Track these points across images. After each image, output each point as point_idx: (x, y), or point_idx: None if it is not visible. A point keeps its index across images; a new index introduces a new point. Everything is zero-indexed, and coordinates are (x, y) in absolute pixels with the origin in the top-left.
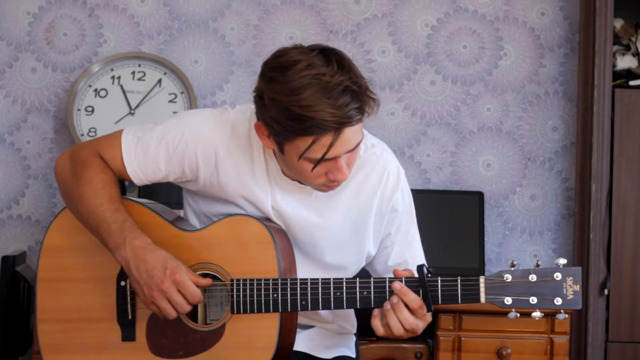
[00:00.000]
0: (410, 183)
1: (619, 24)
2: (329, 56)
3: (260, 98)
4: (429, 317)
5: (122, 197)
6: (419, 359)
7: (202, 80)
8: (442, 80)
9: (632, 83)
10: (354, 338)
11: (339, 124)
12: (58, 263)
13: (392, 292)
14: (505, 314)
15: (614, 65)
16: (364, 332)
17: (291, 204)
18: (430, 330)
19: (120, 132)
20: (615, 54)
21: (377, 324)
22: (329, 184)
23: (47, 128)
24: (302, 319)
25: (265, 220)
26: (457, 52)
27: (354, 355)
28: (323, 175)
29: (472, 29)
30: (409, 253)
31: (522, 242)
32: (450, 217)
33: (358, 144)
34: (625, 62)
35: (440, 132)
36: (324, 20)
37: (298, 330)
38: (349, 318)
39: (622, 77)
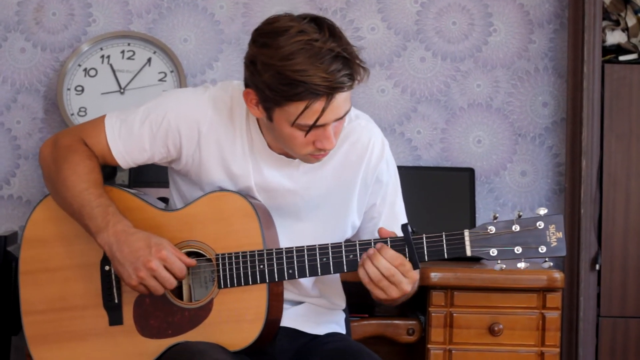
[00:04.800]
0: (400, 160)
1: None
2: (321, 24)
3: (252, 63)
4: (414, 275)
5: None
6: (411, 335)
7: (191, 59)
8: (431, 57)
9: (621, 58)
10: (343, 314)
11: (331, 89)
12: (39, 254)
13: None
14: (496, 290)
15: (604, 41)
16: (356, 309)
17: (277, 178)
18: (422, 307)
19: (102, 117)
20: (605, 30)
21: (362, 272)
22: (316, 154)
23: (37, 108)
24: (290, 294)
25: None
26: (447, 29)
27: (344, 332)
28: (311, 144)
29: (461, 5)
30: (395, 224)
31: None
32: (441, 194)
33: (347, 112)
34: (615, 37)
35: (430, 108)
36: None
37: (287, 306)
38: (337, 292)
39: (611, 53)
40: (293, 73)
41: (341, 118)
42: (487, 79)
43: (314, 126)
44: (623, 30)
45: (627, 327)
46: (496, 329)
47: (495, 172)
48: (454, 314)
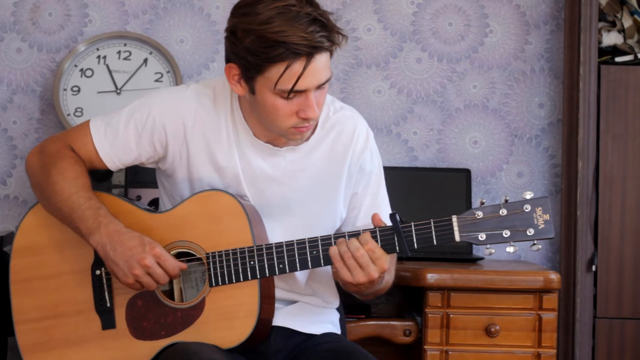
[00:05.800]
0: (396, 161)
1: (604, 0)
2: None
3: (232, 33)
4: (384, 265)
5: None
6: (407, 336)
7: (187, 60)
8: (428, 58)
9: (617, 59)
10: (338, 314)
11: (311, 49)
12: (30, 263)
13: None
14: (493, 291)
15: (600, 42)
16: (353, 310)
17: (264, 168)
18: (419, 308)
19: (87, 122)
20: (601, 31)
21: (333, 249)
22: (300, 126)
23: (33, 108)
24: (283, 293)
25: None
26: (443, 30)
27: (339, 332)
28: (294, 115)
29: (457, 6)
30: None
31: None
32: (437, 195)
33: (327, 81)
34: (611, 38)
35: (426, 109)
36: None
37: (280, 305)
38: (330, 291)
39: (607, 54)
40: (273, 35)
41: (322, 86)
42: (483, 80)
43: (294, 89)
44: (619, 32)
45: (623, 329)
46: (493, 330)
47: (492, 173)
48: (451, 315)
